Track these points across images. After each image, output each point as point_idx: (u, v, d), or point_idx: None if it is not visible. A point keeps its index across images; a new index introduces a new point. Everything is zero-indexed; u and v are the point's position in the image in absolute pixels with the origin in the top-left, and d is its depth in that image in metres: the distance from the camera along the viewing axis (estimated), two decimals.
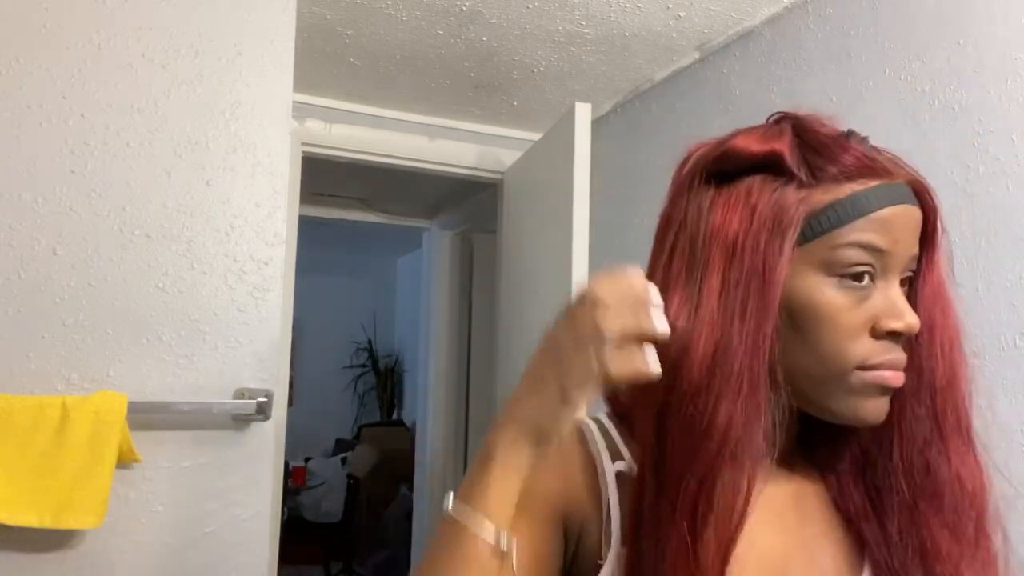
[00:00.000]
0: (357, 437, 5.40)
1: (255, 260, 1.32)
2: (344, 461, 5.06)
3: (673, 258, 0.58)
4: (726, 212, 0.56)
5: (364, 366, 5.99)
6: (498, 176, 2.48)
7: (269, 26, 1.37)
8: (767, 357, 0.54)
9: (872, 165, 0.55)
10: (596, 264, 2.14)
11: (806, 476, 0.62)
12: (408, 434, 5.07)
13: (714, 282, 0.55)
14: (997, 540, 0.58)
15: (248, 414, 1.26)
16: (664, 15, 1.67)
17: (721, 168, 0.57)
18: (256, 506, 1.29)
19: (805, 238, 0.54)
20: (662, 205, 0.63)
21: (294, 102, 1.48)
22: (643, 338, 0.50)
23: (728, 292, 0.54)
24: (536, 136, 2.31)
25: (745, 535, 0.53)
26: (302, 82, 2.07)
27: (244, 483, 1.29)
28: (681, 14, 1.67)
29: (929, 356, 0.57)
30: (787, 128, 0.57)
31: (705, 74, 1.86)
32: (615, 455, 0.60)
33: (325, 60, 1.96)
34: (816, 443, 0.62)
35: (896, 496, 0.58)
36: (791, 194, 0.54)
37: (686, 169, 0.61)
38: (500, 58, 1.92)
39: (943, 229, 0.58)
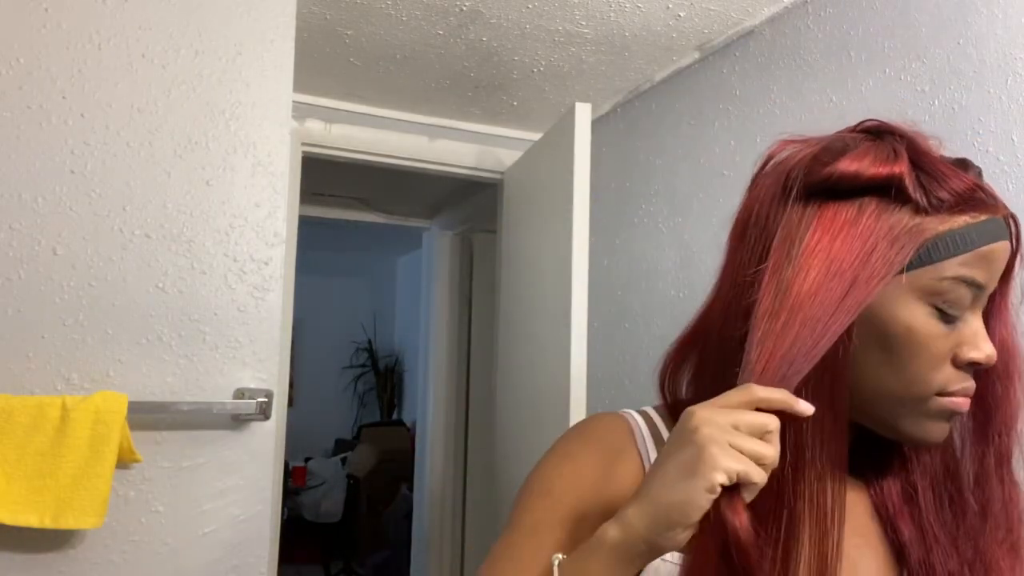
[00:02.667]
0: (357, 437, 5.40)
1: (255, 260, 1.32)
2: (344, 461, 5.06)
3: (762, 260, 0.57)
4: (832, 227, 0.55)
5: (364, 366, 5.99)
6: (498, 176, 2.48)
7: (269, 26, 1.37)
8: (839, 363, 0.55)
9: (984, 198, 0.55)
10: (596, 264, 2.14)
11: (852, 485, 0.62)
12: (408, 434, 5.07)
13: (807, 287, 0.54)
14: None
15: (248, 414, 1.26)
16: (664, 15, 1.67)
17: (832, 185, 0.56)
18: (256, 506, 1.29)
19: (912, 264, 0.54)
20: (741, 203, 0.62)
21: (294, 102, 1.48)
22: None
23: (816, 301, 0.53)
24: (536, 136, 2.31)
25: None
26: (302, 82, 2.07)
27: (244, 483, 1.29)
28: (681, 14, 1.67)
29: (994, 382, 0.59)
30: (902, 150, 0.56)
31: (705, 74, 1.86)
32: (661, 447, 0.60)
33: (325, 60, 1.96)
34: (860, 452, 0.62)
35: (949, 508, 0.59)
36: (906, 219, 0.54)
37: (770, 172, 0.60)
38: (500, 58, 1.92)
39: (1022, 260, 0.59)
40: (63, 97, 1.24)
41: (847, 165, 0.55)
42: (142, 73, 1.28)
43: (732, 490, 0.48)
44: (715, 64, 1.82)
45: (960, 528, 0.59)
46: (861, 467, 0.63)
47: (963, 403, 0.56)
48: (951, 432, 0.59)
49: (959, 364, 0.55)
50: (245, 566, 1.28)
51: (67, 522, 1.10)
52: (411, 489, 3.85)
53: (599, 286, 2.16)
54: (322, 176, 2.80)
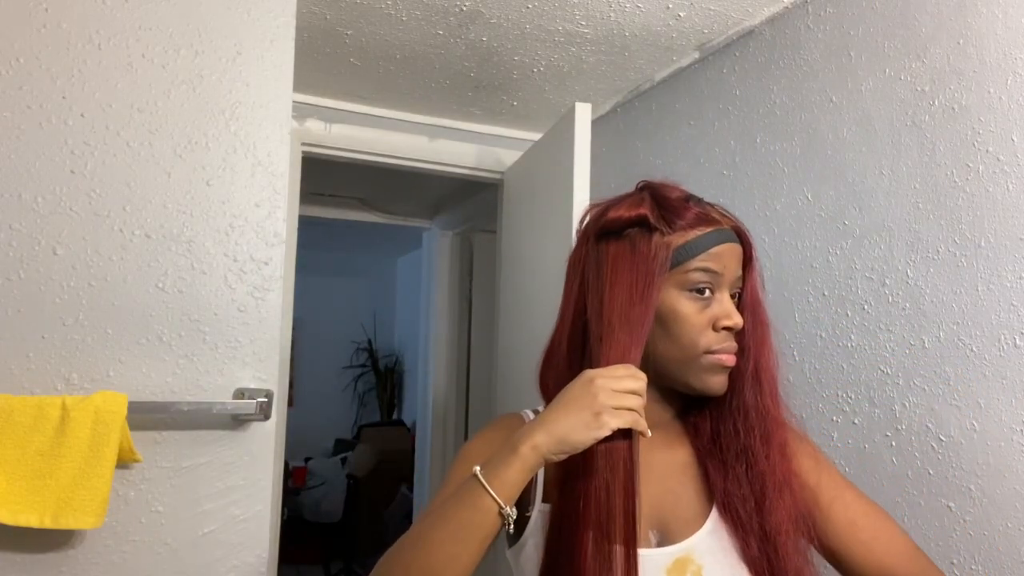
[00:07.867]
0: (357, 437, 5.40)
1: (255, 260, 1.32)
2: (344, 461, 5.06)
3: (583, 287, 0.84)
4: (618, 260, 0.82)
5: (364, 366, 5.99)
6: (498, 176, 2.48)
7: (269, 26, 1.37)
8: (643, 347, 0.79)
9: (706, 217, 0.82)
10: None
11: (681, 444, 0.88)
12: (408, 434, 5.07)
13: (617, 296, 0.80)
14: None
15: (248, 414, 1.26)
16: (664, 15, 1.67)
17: (607, 230, 0.83)
18: (256, 506, 1.29)
19: (670, 267, 0.80)
20: (570, 252, 0.89)
21: (294, 102, 1.48)
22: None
23: (625, 303, 0.79)
24: (536, 136, 2.31)
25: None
26: (302, 82, 2.07)
27: (244, 483, 1.29)
28: (681, 14, 1.67)
29: (750, 343, 0.83)
30: (648, 196, 0.84)
31: (705, 74, 1.86)
32: None
33: (325, 60, 1.96)
34: (687, 420, 0.89)
35: (735, 436, 0.84)
36: (657, 239, 0.81)
37: (583, 227, 0.88)
38: (500, 58, 1.92)
39: (756, 258, 0.86)
40: (63, 97, 1.24)
41: (612, 214, 0.83)
42: (142, 73, 1.28)
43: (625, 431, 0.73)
44: (715, 64, 1.82)
45: (741, 438, 0.83)
46: (689, 430, 0.89)
47: (727, 358, 0.81)
48: (742, 386, 0.83)
49: (717, 329, 0.80)
50: (245, 566, 1.28)
51: (67, 522, 1.10)
52: (411, 489, 3.84)
53: None
54: (322, 176, 2.80)
